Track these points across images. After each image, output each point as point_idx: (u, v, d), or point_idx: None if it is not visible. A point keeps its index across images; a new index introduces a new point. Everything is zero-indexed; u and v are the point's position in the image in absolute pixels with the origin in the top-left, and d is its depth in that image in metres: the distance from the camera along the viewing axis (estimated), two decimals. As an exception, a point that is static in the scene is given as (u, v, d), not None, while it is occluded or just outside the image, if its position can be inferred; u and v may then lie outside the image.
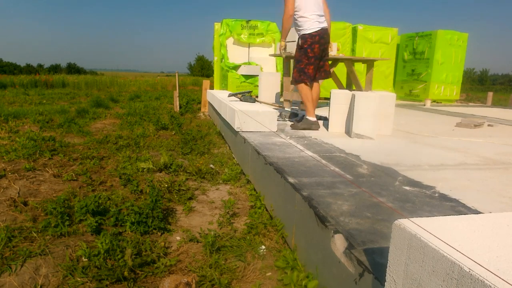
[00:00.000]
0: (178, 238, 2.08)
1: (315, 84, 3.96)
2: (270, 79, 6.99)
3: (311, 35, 3.70)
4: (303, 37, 3.72)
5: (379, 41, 9.56)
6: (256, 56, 9.21)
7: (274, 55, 7.19)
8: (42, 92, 13.32)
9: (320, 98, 9.27)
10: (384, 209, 1.64)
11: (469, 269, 0.70)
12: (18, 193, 2.67)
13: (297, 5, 3.68)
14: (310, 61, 3.75)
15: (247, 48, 9.28)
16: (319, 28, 3.72)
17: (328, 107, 4.02)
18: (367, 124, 3.56)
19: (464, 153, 2.96)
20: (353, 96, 3.64)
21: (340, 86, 5.87)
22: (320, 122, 4.09)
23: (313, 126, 3.86)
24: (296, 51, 3.87)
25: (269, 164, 2.44)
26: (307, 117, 3.90)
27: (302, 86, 3.85)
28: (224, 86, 9.17)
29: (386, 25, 9.94)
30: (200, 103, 8.86)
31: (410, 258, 0.86)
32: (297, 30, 3.83)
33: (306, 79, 3.82)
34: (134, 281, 1.62)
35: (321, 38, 3.74)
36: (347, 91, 3.98)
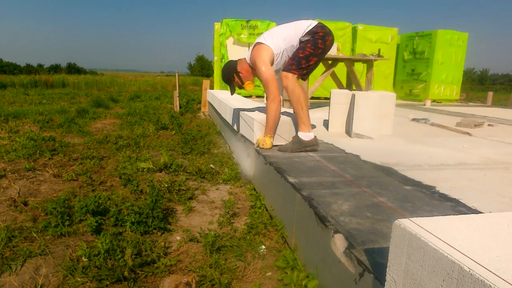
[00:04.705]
0: (178, 238, 2.08)
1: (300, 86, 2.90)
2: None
3: (319, 26, 2.81)
4: (311, 31, 2.78)
5: (379, 41, 9.56)
6: (256, 56, 9.22)
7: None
8: (42, 92, 13.33)
9: (320, 98, 9.28)
10: (384, 209, 1.64)
11: (469, 268, 0.70)
12: (18, 193, 2.67)
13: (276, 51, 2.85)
14: (317, 52, 2.80)
15: (247, 48, 9.28)
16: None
17: (328, 107, 4.02)
18: (367, 124, 3.56)
19: (464, 153, 2.96)
20: (353, 96, 3.64)
21: (340, 86, 5.88)
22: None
23: (309, 147, 2.81)
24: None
25: (269, 164, 2.44)
26: (300, 133, 2.83)
27: (295, 82, 2.79)
28: (224, 86, 9.16)
29: (386, 25, 9.95)
30: (200, 103, 8.87)
31: (410, 258, 0.86)
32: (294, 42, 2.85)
33: (302, 72, 2.81)
34: (134, 281, 1.62)
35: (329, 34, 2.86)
36: (347, 91, 3.98)
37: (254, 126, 2.97)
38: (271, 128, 2.87)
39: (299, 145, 2.80)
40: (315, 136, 2.85)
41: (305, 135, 2.80)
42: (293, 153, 2.76)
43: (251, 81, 3.01)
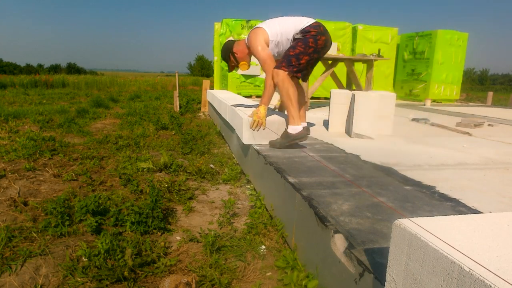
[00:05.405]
0: (178, 238, 2.08)
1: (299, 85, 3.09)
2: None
3: (312, 26, 2.88)
4: (303, 30, 2.87)
5: (379, 41, 9.56)
6: (256, 56, 9.21)
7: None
8: (42, 92, 13.32)
9: (320, 98, 9.27)
10: (384, 209, 1.64)
11: (469, 268, 0.70)
12: (18, 193, 2.67)
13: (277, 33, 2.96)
14: (308, 51, 2.86)
15: (247, 48, 9.28)
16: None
17: (328, 107, 4.02)
18: (367, 124, 3.56)
19: (464, 153, 2.96)
20: (353, 96, 3.64)
21: (340, 86, 5.88)
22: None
23: (298, 140, 2.88)
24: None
25: (269, 164, 2.44)
26: (289, 127, 2.88)
27: (285, 78, 2.83)
28: (224, 86, 9.17)
29: (386, 25, 9.95)
30: (200, 103, 8.87)
31: (410, 258, 0.86)
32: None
33: (292, 69, 2.85)
34: (134, 281, 1.62)
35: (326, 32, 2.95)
36: (347, 91, 3.98)
37: (243, 126, 3.06)
38: (267, 99, 2.98)
39: (286, 139, 2.89)
40: (303, 128, 2.91)
41: (293, 129, 2.88)
42: (292, 153, 2.77)
43: (246, 62, 3.18)
